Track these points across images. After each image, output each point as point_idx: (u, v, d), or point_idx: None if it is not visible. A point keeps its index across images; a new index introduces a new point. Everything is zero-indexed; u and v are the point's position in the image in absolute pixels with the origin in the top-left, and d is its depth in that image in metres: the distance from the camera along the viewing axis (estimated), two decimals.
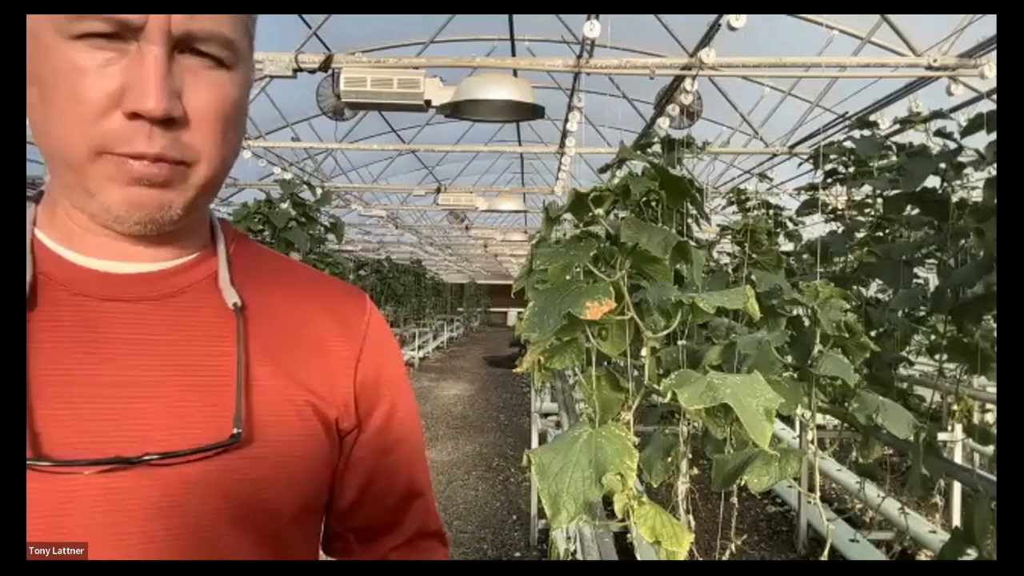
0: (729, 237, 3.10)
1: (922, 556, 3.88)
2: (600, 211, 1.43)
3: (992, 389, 4.26)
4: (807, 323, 1.97)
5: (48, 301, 0.59)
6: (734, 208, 4.28)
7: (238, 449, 0.60)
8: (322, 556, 0.75)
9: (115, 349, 0.59)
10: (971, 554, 2.19)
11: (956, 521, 3.88)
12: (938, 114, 2.74)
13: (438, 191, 8.49)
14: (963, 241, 2.59)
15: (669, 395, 1.14)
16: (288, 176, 6.12)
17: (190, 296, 0.63)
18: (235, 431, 0.59)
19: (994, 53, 3.45)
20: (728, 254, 3.39)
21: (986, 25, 3.50)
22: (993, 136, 2.39)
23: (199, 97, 0.56)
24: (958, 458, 3.91)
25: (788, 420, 5.83)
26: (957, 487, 3.93)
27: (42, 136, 0.56)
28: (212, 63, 0.57)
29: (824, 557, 1.62)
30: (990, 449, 3.67)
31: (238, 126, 0.61)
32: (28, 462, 0.53)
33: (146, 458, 0.56)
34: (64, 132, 0.54)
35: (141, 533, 0.56)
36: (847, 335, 1.64)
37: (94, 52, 0.53)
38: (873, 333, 2.76)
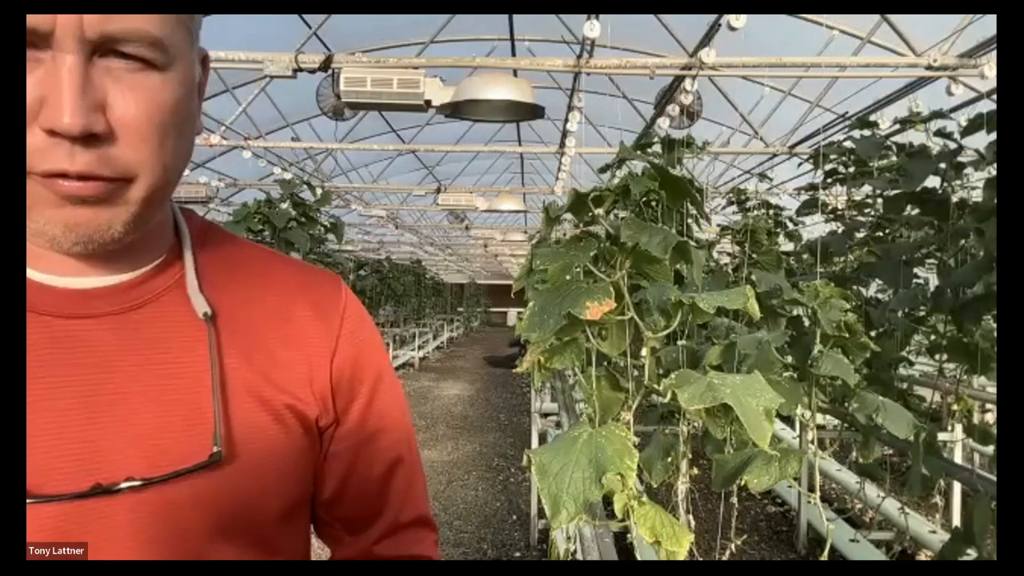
0: (729, 237, 3.10)
1: (922, 556, 3.88)
2: (600, 211, 1.43)
3: (992, 389, 4.26)
4: (807, 323, 1.97)
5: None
6: (734, 208, 4.28)
7: (220, 465, 0.58)
8: (314, 541, 0.75)
9: (88, 369, 0.56)
10: (971, 554, 2.19)
11: (956, 521, 3.88)
12: (938, 114, 2.74)
13: (438, 191, 8.50)
14: (963, 241, 2.59)
15: (669, 395, 1.14)
16: (288, 176, 6.12)
17: (157, 306, 0.60)
18: (215, 450, 0.58)
19: (994, 53, 3.45)
20: (728, 254, 3.39)
21: (986, 25, 3.50)
22: (993, 136, 2.39)
23: (126, 106, 0.51)
24: (958, 458, 3.90)
25: (788, 420, 5.83)
26: (957, 487, 3.93)
27: None
28: (139, 65, 0.51)
29: (824, 557, 1.62)
30: (990, 449, 3.67)
31: (180, 130, 0.55)
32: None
33: (125, 485, 0.55)
34: None
35: (129, 554, 0.55)
36: (847, 335, 1.64)
37: None
38: (873, 333, 2.76)
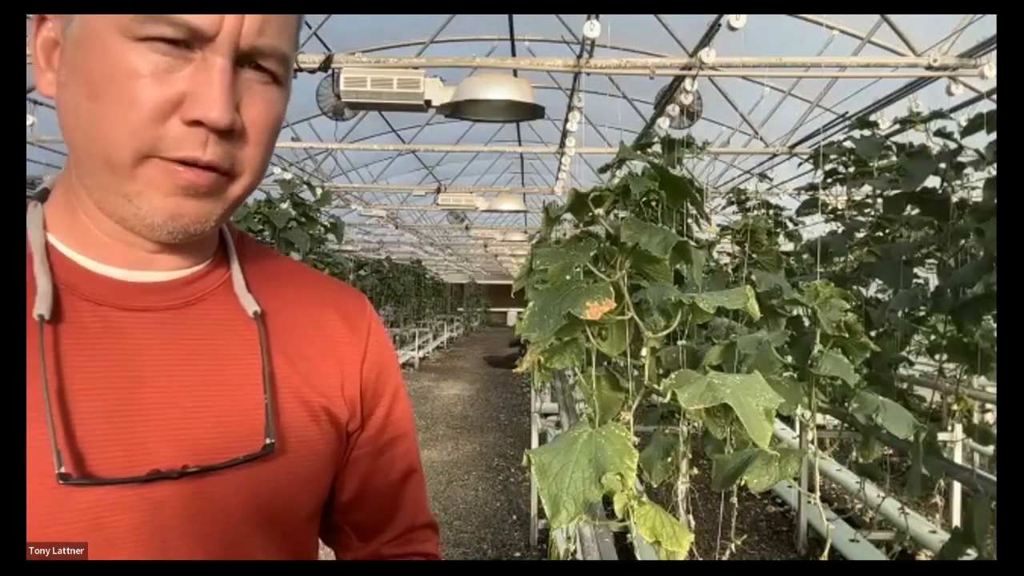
0: (729, 237, 3.10)
1: (922, 556, 3.88)
2: (600, 211, 1.43)
3: (992, 389, 4.26)
4: (807, 323, 1.97)
5: (73, 312, 0.57)
6: (734, 208, 4.28)
7: (268, 458, 0.61)
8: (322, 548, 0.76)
9: (145, 360, 0.58)
10: (971, 554, 2.19)
11: (956, 521, 3.88)
12: (938, 114, 2.74)
13: (438, 191, 8.50)
14: (963, 241, 2.59)
15: (669, 395, 1.14)
16: (288, 176, 6.11)
17: (208, 303, 0.63)
18: (268, 441, 0.60)
19: (994, 53, 3.45)
20: (728, 254, 3.39)
21: (986, 25, 3.50)
22: (993, 136, 2.39)
23: (254, 112, 0.56)
24: (958, 458, 3.91)
25: (788, 420, 5.83)
26: (957, 487, 3.93)
27: (83, 135, 0.55)
28: (268, 78, 0.57)
29: (824, 557, 1.62)
30: (990, 449, 3.67)
31: (276, 140, 0.61)
32: (76, 481, 0.53)
33: (185, 472, 0.57)
34: (112, 132, 0.53)
35: (174, 542, 0.57)
36: (847, 335, 1.64)
37: (156, 56, 0.52)
38: (873, 333, 2.76)
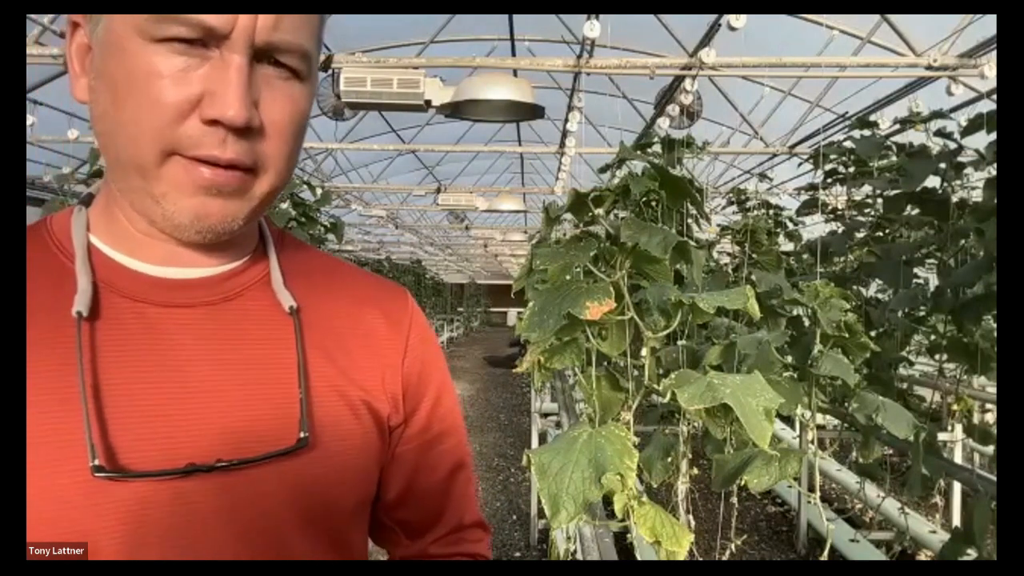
0: (729, 237, 3.10)
1: (922, 556, 3.88)
2: (600, 211, 1.43)
3: (992, 389, 4.26)
4: (807, 323, 1.97)
5: (111, 309, 0.59)
6: (734, 208, 4.28)
7: (304, 451, 0.61)
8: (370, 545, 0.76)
9: (181, 355, 0.59)
10: (971, 554, 2.19)
11: (956, 521, 3.88)
12: (938, 114, 2.74)
13: (438, 191, 8.49)
14: (963, 241, 2.59)
15: (669, 395, 1.14)
16: None
17: (246, 299, 0.64)
18: (302, 435, 0.60)
19: (994, 53, 3.45)
20: (728, 254, 3.39)
21: (986, 25, 3.50)
22: (993, 136, 2.39)
23: (274, 108, 0.56)
24: (958, 458, 3.90)
25: (788, 420, 5.83)
26: (957, 487, 3.93)
27: (111, 137, 0.56)
28: (288, 74, 0.57)
29: (824, 557, 1.62)
30: (990, 449, 3.67)
31: (303, 138, 0.61)
32: (110, 474, 0.54)
33: (219, 465, 0.57)
34: (137, 134, 0.54)
35: (210, 537, 0.57)
36: (847, 335, 1.64)
37: (174, 57, 0.53)
38: (873, 333, 2.76)
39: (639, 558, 2.60)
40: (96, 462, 0.53)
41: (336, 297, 0.70)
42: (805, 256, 3.81)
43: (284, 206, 4.65)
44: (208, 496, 0.57)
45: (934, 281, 2.80)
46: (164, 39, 0.52)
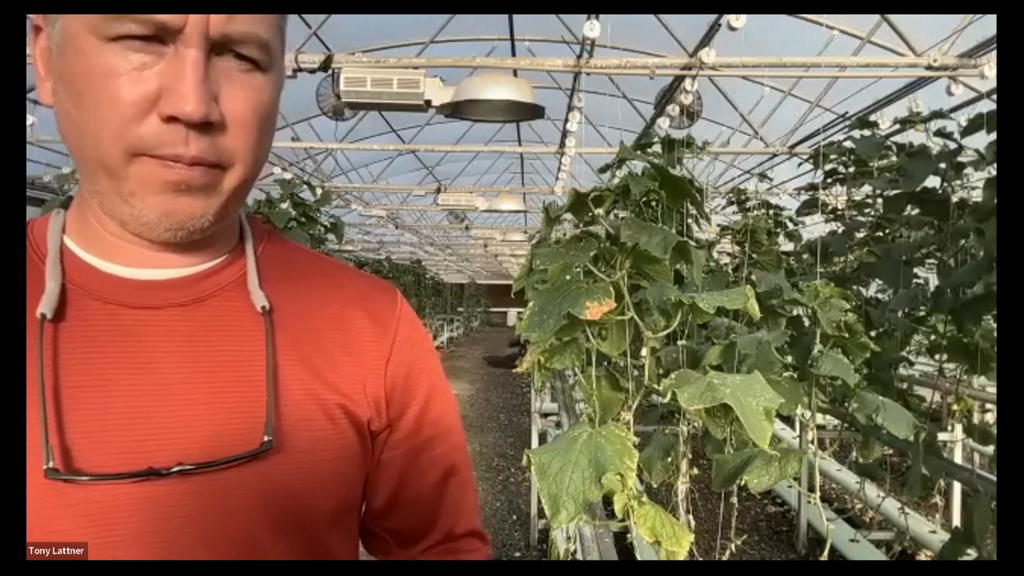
0: (729, 237, 3.10)
1: (922, 556, 3.88)
2: (600, 211, 1.43)
3: (992, 389, 4.26)
4: (807, 323, 1.97)
5: (82, 311, 0.58)
6: (734, 208, 4.28)
7: (270, 455, 0.59)
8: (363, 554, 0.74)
9: (150, 357, 0.58)
10: (971, 554, 2.19)
11: (956, 521, 3.88)
12: (938, 114, 2.74)
13: (438, 191, 8.49)
14: (963, 241, 2.59)
15: (669, 395, 1.14)
16: (288, 176, 6.11)
17: (220, 300, 0.63)
18: (265, 439, 0.59)
19: (994, 53, 3.44)
20: (728, 254, 3.39)
21: (986, 25, 3.50)
22: (993, 136, 2.39)
23: (235, 101, 0.55)
24: (958, 458, 3.90)
25: (788, 420, 5.83)
26: (957, 487, 3.93)
27: (75, 139, 0.55)
28: (248, 66, 0.56)
29: (824, 557, 1.62)
30: (990, 449, 3.67)
31: (271, 129, 0.60)
32: (63, 476, 0.53)
33: (177, 469, 0.56)
34: (99, 135, 0.53)
35: (181, 541, 0.56)
36: (847, 335, 1.64)
37: (130, 54, 0.52)
38: (873, 333, 2.76)
39: (639, 558, 2.60)
40: (50, 464, 0.52)
41: (318, 297, 0.68)
42: (805, 256, 3.81)
43: (284, 206, 4.65)
44: (174, 501, 0.56)
45: (934, 281, 2.80)
46: (118, 37, 0.52)
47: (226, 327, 0.62)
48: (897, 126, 2.93)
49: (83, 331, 0.57)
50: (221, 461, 0.57)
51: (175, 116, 0.52)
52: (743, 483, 1.38)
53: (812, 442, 1.84)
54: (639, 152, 1.75)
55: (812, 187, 3.54)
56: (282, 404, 0.61)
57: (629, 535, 1.89)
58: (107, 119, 0.52)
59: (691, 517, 1.95)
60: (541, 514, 4.45)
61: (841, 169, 3.08)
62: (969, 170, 2.61)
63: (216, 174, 0.56)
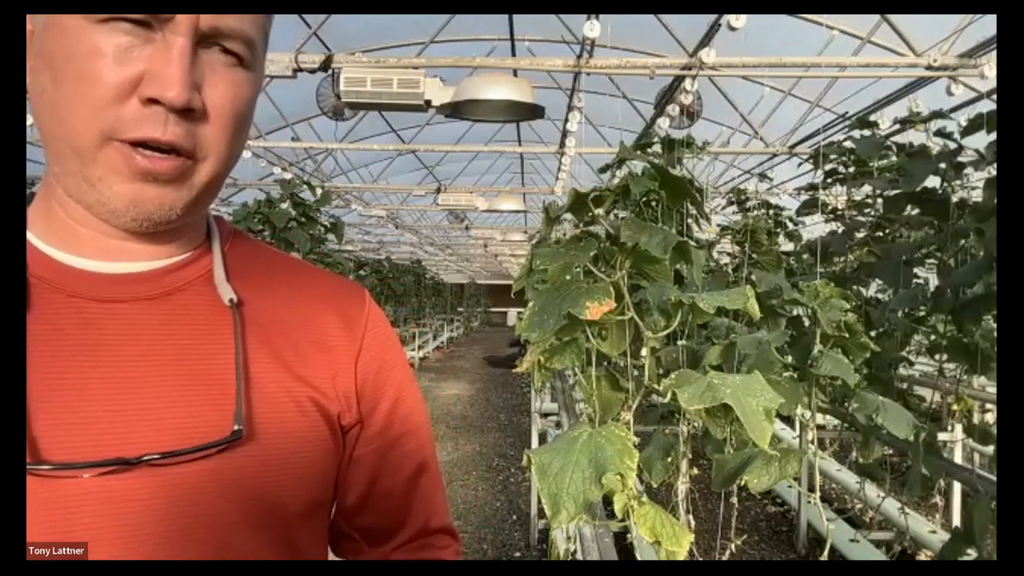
0: (729, 237, 3.10)
1: (922, 556, 3.88)
2: (600, 211, 1.43)
3: (992, 389, 4.26)
4: (807, 323, 1.97)
5: (44, 304, 0.58)
6: (734, 208, 4.28)
7: (240, 446, 0.59)
8: (331, 556, 0.74)
9: (114, 350, 0.58)
10: (971, 554, 2.19)
11: (956, 521, 3.88)
12: (938, 114, 2.73)
13: (438, 191, 8.49)
14: (963, 241, 2.59)
15: (669, 395, 1.14)
16: (288, 176, 6.12)
17: (187, 295, 0.63)
18: (236, 428, 0.58)
19: (994, 53, 3.44)
20: (728, 254, 3.39)
21: (986, 25, 3.50)
22: (993, 136, 2.39)
23: (217, 92, 0.56)
24: (958, 458, 3.90)
25: (788, 420, 5.83)
26: (957, 487, 3.93)
27: (48, 119, 0.55)
28: (233, 61, 0.57)
29: (824, 557, 1.62)
30: (990, 449, 3.67)
31: (246, 127, 0.61)
32: (28, 467, 0.52)
33: (146, 459, 0.55)
34: (73, 114, 0.53)
35: (151, 534, 0.56)
36: (847, 335, 1.64)
37: (118, 36, 0.52)
38: (873, 333, 2.76)
39: (639, 558, 2.60)
40: None
41: (286, 294, 0.68)
42: (805, 256, 3.81)
43: (284, 206, 4.66)
44: (144, 494, 0.56)
45: (934, 281, 2.80)
46: (108, 19, 0.52)
47: (194, 321, 0.62)
48: (897, 126, 2.93)
49: (47, 324, 0.57)
50: (191, 450, 0.57)
51: (156, 99, 0.52)
52: (743, 483, 1.38)
53: (812, 442, 1.84)
54: (639, 152, 1.75)
55: (812, 187, 3.54)
56: (252, 395, 0.61)
57: (629, 535, 1.89)
58: (85, 97, 0.52)
59: (691, 517, 1.95)
60: (541, 514, 4.45)
61: (841, 169, 3.08)
62: (969, 170, 2.61)
63: (189, 166, 0.56)
